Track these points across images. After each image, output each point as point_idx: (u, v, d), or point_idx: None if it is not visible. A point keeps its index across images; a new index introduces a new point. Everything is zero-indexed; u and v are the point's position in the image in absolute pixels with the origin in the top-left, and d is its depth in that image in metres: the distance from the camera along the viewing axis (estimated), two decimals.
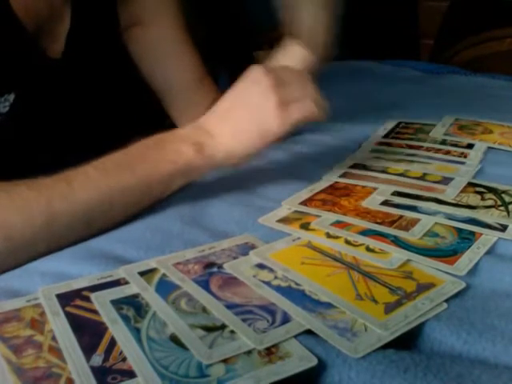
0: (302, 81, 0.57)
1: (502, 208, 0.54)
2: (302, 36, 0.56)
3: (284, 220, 0.54)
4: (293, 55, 0.65)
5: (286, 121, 0.55)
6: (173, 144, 0.56)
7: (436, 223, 0.52)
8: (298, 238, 0.50)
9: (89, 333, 0.37)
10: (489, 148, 0.71)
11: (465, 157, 0.67)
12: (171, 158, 0.55)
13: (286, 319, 0.39)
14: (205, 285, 0.43)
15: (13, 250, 0.47)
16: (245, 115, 0.57)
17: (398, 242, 0.48)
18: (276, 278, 0.44)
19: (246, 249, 0.48)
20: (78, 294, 0.41)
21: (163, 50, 0.76)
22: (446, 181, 0.60)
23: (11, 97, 0.60)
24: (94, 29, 0.70)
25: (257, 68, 0.58)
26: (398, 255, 0.46)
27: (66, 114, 0.70)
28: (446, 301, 0.41)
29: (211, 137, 0.57)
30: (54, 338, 0.37)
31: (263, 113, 0.55)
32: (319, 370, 0.35)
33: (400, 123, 0.82)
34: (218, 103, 0.59)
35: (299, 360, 0.35)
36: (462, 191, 0.57)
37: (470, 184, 0.59)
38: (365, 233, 0.50)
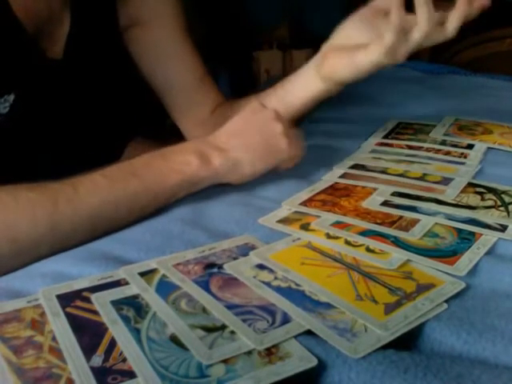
0: (288, 125, 0.62)
1: (501, 208, 0.54)
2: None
3: (284, 220, 0.54)
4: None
5: (291, 149, 0.60)
6: (180, 155, 0.57)
7: (436, 224, 0.52)
8: (298, 239, 0.50)
9: (89, 333, 0.37)
10: (489, 148, 0.71)
11: (465, 157, 0.68)
12: (178, 168, 0.56)
13: (286, 320, 0.39)
14: (205, 285, 0.43)
15: (17, 251, 0.47)
16: (256, 135, 0.60)
17: (397, 242, 0.48)
18: (276, 278, 0.44)
19: (246, 249, 0.48)
20: (78, 294, 0.41)
21: (163, 51, 0.76)
22: (445, 181, 0.60)
23: (11, 97, 0.60)
24: (93, 30, 0.70)
25: (255, 102, 0.63)
26: (397, 255, 0.46)
27: (67, 114, 0.70)
28: (446, 301, 0.41)
29: (220, 150, 0.58)
30: (54, 339, 0.37)
31: (273, 136, 0.60)
32: (319, 370, 0.35)
33: (400, 123, 0.82)
34: (226, 124, 0.62)
35: (299, 360, 0.35)
36: (461, 191, 0.57)
37: (470, 184, 0.59)
38: (365, 233, 0.50)
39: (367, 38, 0.58)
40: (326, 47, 0.63)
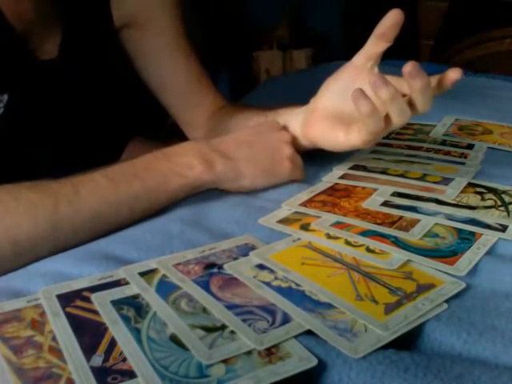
0: (295, 151, 0.62)
1: (502, 208, 0.54)
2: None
3: (284, 221, 0.54)
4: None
5: (293, 174, 0.61)
6: (184, 158, 0.56)
7: (436, 224, 0.52)
8: (298, 239, 0.50)
9: (89, 333, 0.37)
10: (489, 148, 0.71)
11: (465, 157, 0.67)
12: (181, 171, 0.55)
13: (286, 319, 0.39)
14: (205, 285, 0.43)
15: (18, 252, 0.47)
16: (264, 152, 0.60)
17: (398, 242, 0.48)
18: (276, 278, 0.44)
19: (246, 249, 0.48)
20: (78, 294, 0.41)
21: (157, 52, 0.76)
22: (445, 181, 0.60)
23: (4, 98, 0.60)
24: (87, 29, 0.70)
25: (273, 120, 0.65)
26: (398, 256, 0.46)
27: (64, 114, 0.70)
28: (446, 301, 0.41)
29: (226, 158, 0.58)
30: (54, 339, 0.37)
31: (280, 159, 0.60)
32: (319, 370, 0.35)
33: None
34: (238, 133, 0.62)
35: (299, 360, 0.35)
36: (461, 191, 0.57)
37: (470, 184, 0.59)
38: (365, 233, 0.50)
39: (350, 110, 0.56)
40: (312, 104, 0.62)
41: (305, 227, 0.52)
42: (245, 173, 0.58)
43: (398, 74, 0.53)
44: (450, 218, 0.52)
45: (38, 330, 0.38)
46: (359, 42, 0.59)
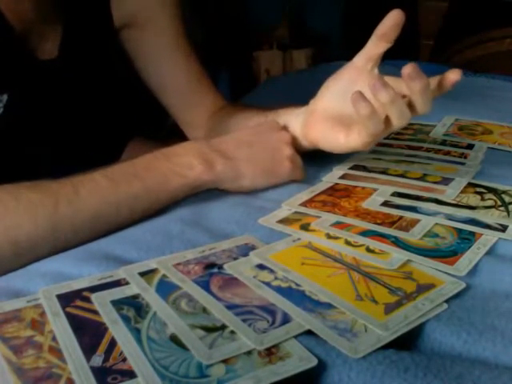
0: (295, 151, 0.63)
1: (502, 208, 0.54)
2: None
3: (284, 221, 0.54)
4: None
5: (293, 174, 0.61)
6: (184, 158, 0.56)
7: (436, 224, 0.52)
8: (298, 239, 0.50)
9: (89, 333, 0.37)
10: (489, 148, 0.71)
11: (465, 157, 0.67)
12: (181, 171, 0.55)
13: (286, 320, 0.39)
14: (205, 285, 0.43)
15: (18, 253, 0.47)
16: (264, 152, 0.60)
17: (398, 242, 0.48)
18: (276, 278, 0.44)
19: (246, 249, 0.48)
20: (78, 294, 0.41)
21: (157, 52, 0.76)
22: (445, 181, 0.60)
23: (4, 98, 0.60)
24: (87, 29, 0.70)
25: (274, 120, 0.65)
26: (398, 256, 0.46)
27: (64, 114, 0.70)
28: (446, 301, 0.41)
29: (226, 158, 0.58)
30: (54, 339, 0.37)
31: (280, 159, 0.61)
32: (319, 370, 0.35)
33: None
34: (238, 133, 0.62)
35: (299, 360, 0.35)
36: (461, 192, 0.57)
37: (470, 184, 0.59)
38: (365, 233, 0.50)
39: (350, 111, 0.55)
40: (312, 105, 0.62)
41: (305, 227, 0.52)
42: (245, 173, 0.59)
43: (398, 74, 0.53)
44: (450, 217, 0.52)
45: (38, 330, 0.38)
46: (359, 42, 0.59)
